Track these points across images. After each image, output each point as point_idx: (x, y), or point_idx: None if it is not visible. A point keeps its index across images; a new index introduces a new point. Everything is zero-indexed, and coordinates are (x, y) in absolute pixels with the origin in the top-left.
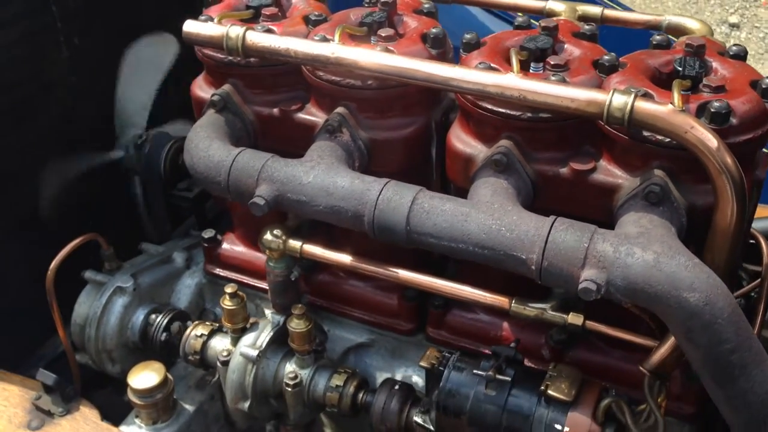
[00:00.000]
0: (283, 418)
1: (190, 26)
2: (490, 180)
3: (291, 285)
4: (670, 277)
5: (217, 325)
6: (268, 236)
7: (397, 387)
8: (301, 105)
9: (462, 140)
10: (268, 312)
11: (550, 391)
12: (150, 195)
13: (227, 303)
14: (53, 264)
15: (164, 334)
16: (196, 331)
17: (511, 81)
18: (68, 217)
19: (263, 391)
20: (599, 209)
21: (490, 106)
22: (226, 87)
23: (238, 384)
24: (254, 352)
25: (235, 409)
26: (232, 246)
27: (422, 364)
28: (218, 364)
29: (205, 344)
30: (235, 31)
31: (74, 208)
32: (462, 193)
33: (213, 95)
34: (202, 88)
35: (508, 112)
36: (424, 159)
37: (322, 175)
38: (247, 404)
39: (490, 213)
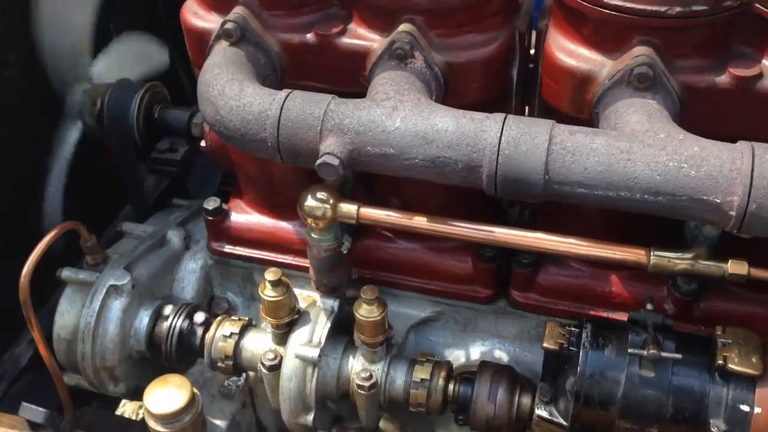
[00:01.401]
0: (341, 421)
1: None
2: (635, 102)
3: (341, 260)
4: None
5: (246, 319)
6: (311, 201)
7: (500, 372)
8: (343, 27)
9: (572, 52)
10: (309, 295)
11: (730, 365)
12: (124, 164)
13: (270, 293)
14: (27, 267)
15: (181, 338)
16: (222, 331)
17: None
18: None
19: (324, 397)
20: None
21: (621, 2)
22: (240, 10)
23: (297, 394)
24: (315, 352)
25: (295, 424)
26: (243, 216)
27: (547, 345)
28: (262, 370)
29: (237, 346)
30: None
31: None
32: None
33: (225, 22)
34: (199, 15)
35: (650, 8)
36: (503, 86)
37: (414, 116)
38: (311, 416)
39: (660, 146)
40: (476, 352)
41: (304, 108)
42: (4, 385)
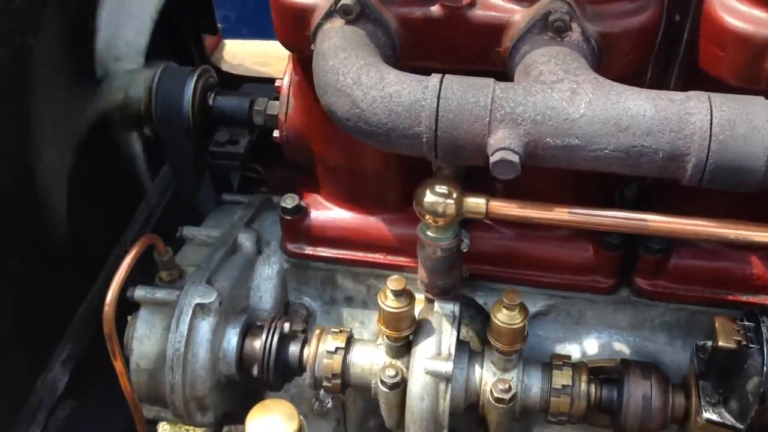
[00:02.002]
0: None
1: None
2: None
3: (457, 259)
4: None
5: (348, 330)
6: (432, 197)
7: (647, 370)
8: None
9: (748, 16)
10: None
11: None
12: (176, 159)
13: (392, 304)
14: (112, 294)
15: (278, 357)
16: (325, 346)
17: None
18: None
19: (453, 412)
20: None
21: None
22: None
23: (430, 413)
24: (448, 366)
25: None
26: (324, 213)
27: (723, 344)
28: (380, 388)
29: (345, 362)
30: None
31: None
32: None
33: None
34: None
35: None
36: (651, 55)
37: (600, 100)
38: None
39: None
40: (592, 346)
41: (466, 96)
42: (43, 416)
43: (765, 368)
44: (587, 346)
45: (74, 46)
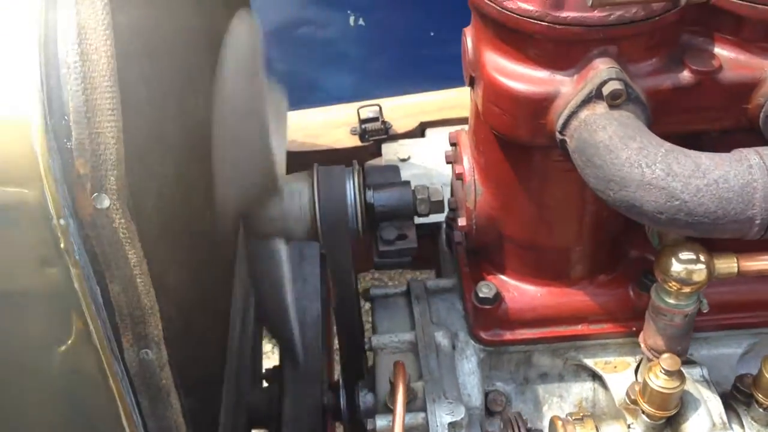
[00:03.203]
0: None
1: None
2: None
3: (693, 321)
4: None
5: (581, 413)
6: (679, 265)
7: None
8: (720, 60)
9: (522, 76)
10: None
11: None
12: (339, 266)
13: (666, 384)
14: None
15: None
16: None
17: None
18: None
19: None
20: None
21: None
22: (607, 63)
23: None
24: None
25: None
26: (519, 295)
27: None
28: None
29: None
30: None
31: None
32: None
33: (608, 81)
34: (524, 76)
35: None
36: None
37: None
38: None
39: None
40: None
41: None
42: None
43: None
44: None
45: None
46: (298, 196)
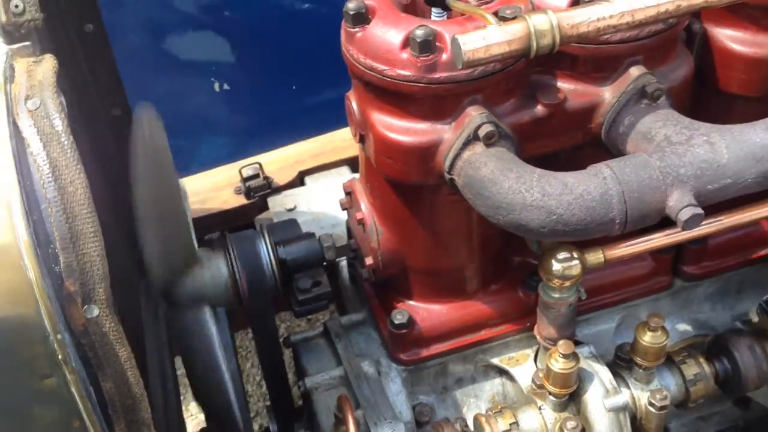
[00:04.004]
0: None
1: (471, 42)
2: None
3: (575, 308)
4: None
5: (499, 405)
6: (558, 264)
7: (742, 336)
8: (563, 92)
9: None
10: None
11: None
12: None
13: (565, 365)
14: None
15: None
16: (500, 425)
17: None
18: None
19: None
20: None
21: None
22: (478, 110)
23: None
24: (623, 397)
25: None
26: (428, 314)
27: None
28: None
29: None
30: (542, 20)
31: None
32: None
33: (482, 125)
34: (415, 130)
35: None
36: None
37: (732, 142)
38: None
39: None
40: (676, 329)
41: (639, 175)
42: None
43: None
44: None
45: None
46: (216, 265)
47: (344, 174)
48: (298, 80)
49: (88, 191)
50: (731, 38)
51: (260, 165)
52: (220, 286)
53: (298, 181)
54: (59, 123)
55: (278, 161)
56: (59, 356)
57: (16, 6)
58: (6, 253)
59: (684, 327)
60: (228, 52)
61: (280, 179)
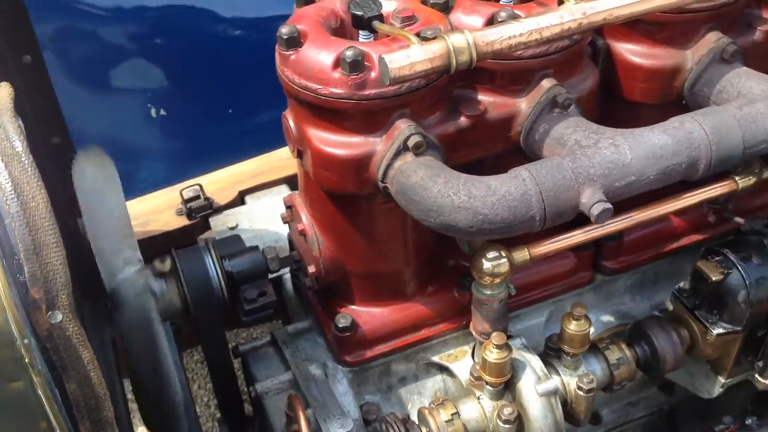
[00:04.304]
0: None
1: (396, 61)
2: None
3: (506, 304)
4: None
5: (440, 398)
6: (489, 263)
7: (657, 323)
8: (484, 104)
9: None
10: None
11: None
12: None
13: (499, 356)
14: None
15: None
16: (442, 416)
17: None
18: None
19: None
20: None
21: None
22: (406, 123)
23: (553, 426)
24: (554, 382)
25: None
26: (370, 317)
27: (715, 278)
28: (502, 426)
29: (463, 423)
30: (459, 39)
31: None
32: None
33: (410, 136)
34: (352, 144)
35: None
36: None
37: (635, 144)
38: None
39: None
40: (600, 320)
41: (554, 176)
42: None
43: (746, 281)
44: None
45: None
46: (163, 280)
47: (283, 192)
48: (233, 104)
49: (49, 205)
50: (631, 51)
51: (201, 186)
52: (166, 300)
53: (239, 200)
54: (19, 144)
55: (218, 182)
56: (26, 360)
57: None
58: None
59: (607, 318)
60: (162, 78)
61: (220, 199)
